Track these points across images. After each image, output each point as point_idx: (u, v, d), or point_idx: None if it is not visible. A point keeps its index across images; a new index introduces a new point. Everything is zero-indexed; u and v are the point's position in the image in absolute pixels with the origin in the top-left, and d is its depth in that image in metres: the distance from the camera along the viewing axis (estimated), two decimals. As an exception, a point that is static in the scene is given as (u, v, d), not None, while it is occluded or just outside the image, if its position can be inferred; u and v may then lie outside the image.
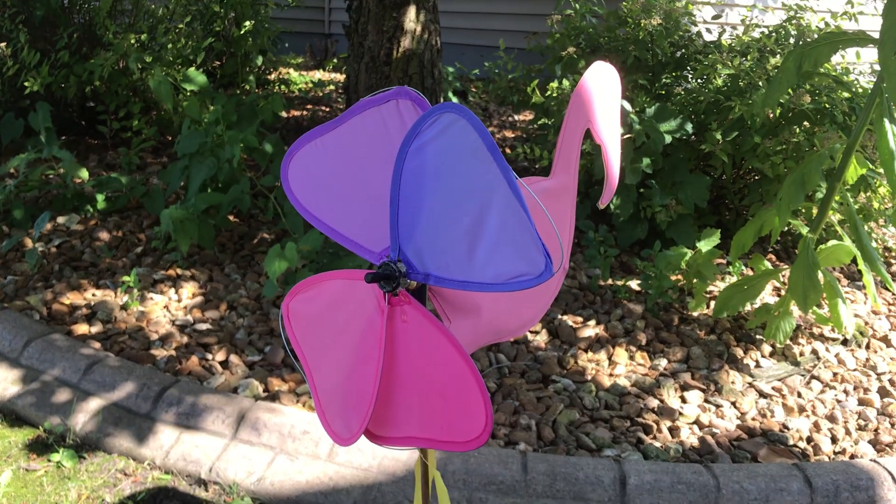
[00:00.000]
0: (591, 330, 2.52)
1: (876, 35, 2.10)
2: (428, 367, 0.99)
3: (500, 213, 0.87)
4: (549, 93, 3.33)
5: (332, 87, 5.97)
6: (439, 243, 0.92)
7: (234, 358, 2.29)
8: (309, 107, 5.27)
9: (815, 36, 3.30)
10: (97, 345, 2.33)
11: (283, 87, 5.60)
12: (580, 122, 1.15)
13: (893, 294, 2.97)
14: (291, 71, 6.42)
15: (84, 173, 3.19)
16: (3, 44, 3.58)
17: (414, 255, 0.94)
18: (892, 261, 3.29)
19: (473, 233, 0.89)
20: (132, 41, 3.75)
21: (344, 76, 6.22)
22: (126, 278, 2.62)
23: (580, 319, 2.59)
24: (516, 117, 5.31)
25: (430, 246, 0.93)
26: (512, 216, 0.86)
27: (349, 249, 1.02)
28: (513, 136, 4.86)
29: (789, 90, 2.90)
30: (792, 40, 3.32)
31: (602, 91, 1.15)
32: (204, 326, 2.45)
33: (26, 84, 3.52)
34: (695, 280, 2.65)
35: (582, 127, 1.16)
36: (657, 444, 2.03)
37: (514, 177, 0.85)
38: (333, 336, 1.06)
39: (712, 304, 2.72)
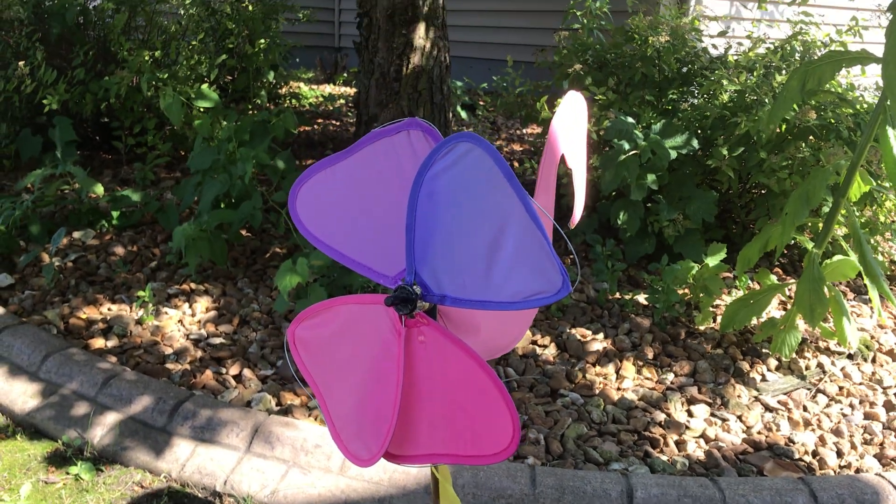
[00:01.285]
0: (599, 344, 2.56)
1: (879, 51, 2.14)
2: (449, 384, 1.03)
3: (516, 234, 0.91)
4: (556, 108, 3.37)
5: (342, 101, 6.03)
6: (456, 265, 0.96)
7: (247, 372, 2.33)
8: (319, 121, 5.33)
9: (821, 51, 3.33)
10: (113, 359, 2.38)
11: (293, 101, 5.67)
12: (555, 153, 1.21)
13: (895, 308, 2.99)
14: (302, 85, 6.49)
15: (99, 189, 3.25)
16: (21, 62, 3.64)
17: (430, 278, 0.98)
18: (899, 274, 3.31)
19: (490, 254, 0.93)
20: (146, 58, 3.82)
21: (354, 90, 6.29)
22: (141, 293, 2.67)
23: (588, 333, 2.63)
24: (524, 131, 5.36)
25: (446, 268, 0.96)
26: (528, 237, 0.90)
27: (361, 274, 1.06)
28: (521, 149, 4.90)
29: (794, 107, 2.94)
30: (798, 56, 3.35)
31: (570, 125, 1.22)
32: (217, 340, 2.50)
33: (45, 102, 3.58)
34: (701, 294, 2.68)
35: (557, 156, 1.21)
36: (664, 458, 2.06)
37: (530, 199, 0.89)
38: (345, 359, 1.09)
39: (719, 318, 2.74)
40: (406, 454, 1.07)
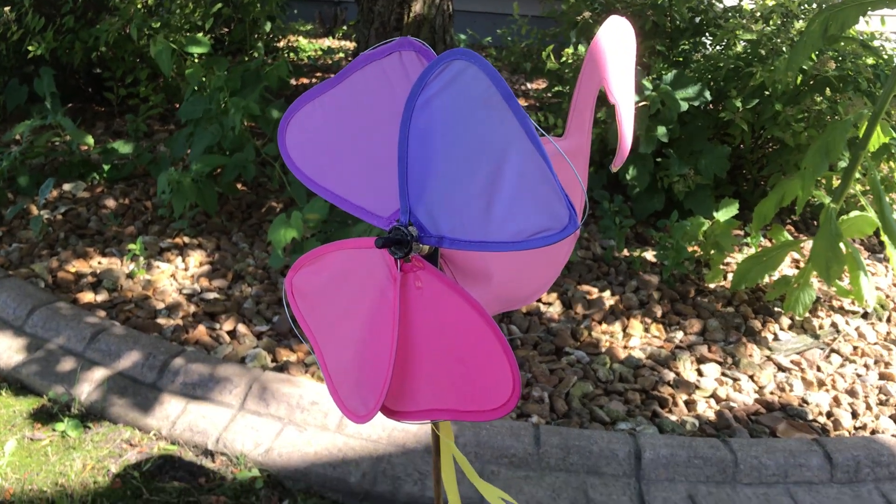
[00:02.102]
0: (606, 301, 2.47)
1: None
2: (447, 334, 0.94)
3: (518, 165, 0.81)
4: (563, 59, 3.25)
5: (341, 54, 5.89)
6: (453, 203, 0.86)
7: (241, 328, 2.25)
8: (318, 74, 5.19)
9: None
10: (102, 313, 2.29)
11: (291, 54, 5.52)
12: (594, 80, 1.09)
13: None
14: (301, 38, 6.33)
15: (89, 140, 3.14)
16: (7, 8, 3.51)
17: (426, 218, 0.88)
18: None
19: (490, 189, 0.83)
20: (139, 6, 3.68)
21: (353, 44, 6.14)
22: (132, 246, 2.58)
23: (595, 290, 2.54)
24: (529, 86, 5.22)
25: (443, 206, 0.87)
26: (532, 167, 0.80)
27: (355, 216, 0.96)
28: (526, 104, 4.77)
29: (812, 56, 2.82)
30: (815, 5, 3.22)
31: (616, 48, 1.08)
32: (211, 296, 2.41)
33: (30, 48, 3.46)
34: (712, 251, 2.59)
35: (596, 86, 1.10)
36: (673, 418, 1.98)
37: (533, 125, 0.79)
38: (342, 310, 1.00)
39: (729, 276, 2.66)
40: (404, 410, 0.99)
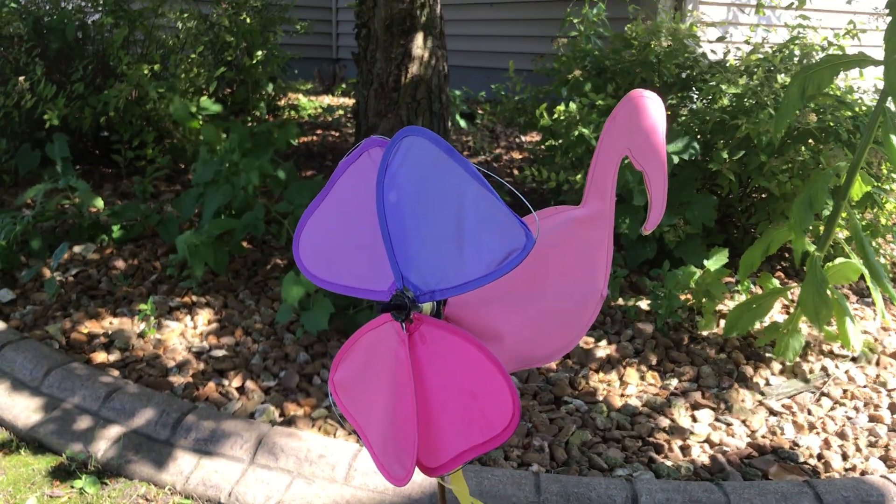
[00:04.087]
0: (603, 350, 2.55)
1: (876, 54, 2.14)
2: (457, 374, 1.03)
3: (473, 204, 0.96)
4: (556, 115, 3.38)
5: (341, 111, 6.05)
6: (434, 256, 0.99)
7: (250, 383, 2.33)
8: (319, 132, 5.34)
9: (820, 54, 3.34)
10: (116, 372, 2.38)
11: (292, 112, 5.68)
12: (615, 149, 1.17)
13: (902, 309, 2.99)
14: (301, 96, 6.50)
15: (99, 202, 3.25)
16: (22, 77, 3.65)
17: (417, 278, 1.00)
18: (901, 276, 3.31)
19: (458, 233, 0.97)
20: (145, 71, 3.83)
21: (352, 101, 6.30)
22: (143, 306, 2.67)
23: (591, 340, 2.62)
24: (523, 138, 5.36)
25: (427, 262, 0.99)
26: (484, 203, 0.94)
27: (364, 298, 1.08)
28: (520, 157, 4.90)
29: (803, 106, 2.94)
30: (796, 59, 3.36)
31: (640, 116, 1.17)
32: (220, 353, 2.50)
33: (45, 117, 3.59)
34: (704, 299, 2.68)
35: (617, 154, 1.18)
36: (669, 463, 2.05)
37: (476, 169, 0.95)
38: (373, 387, 1.10)
39: (721, 322, 2.74)
40: (438, 464, 1.07)
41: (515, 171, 4.48)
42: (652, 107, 1.20)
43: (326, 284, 1.10)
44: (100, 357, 2.46)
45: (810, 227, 3.07)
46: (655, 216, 1.21)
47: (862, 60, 2.19)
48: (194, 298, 2.81)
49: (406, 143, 0.99)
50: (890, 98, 2.17)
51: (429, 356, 1.02)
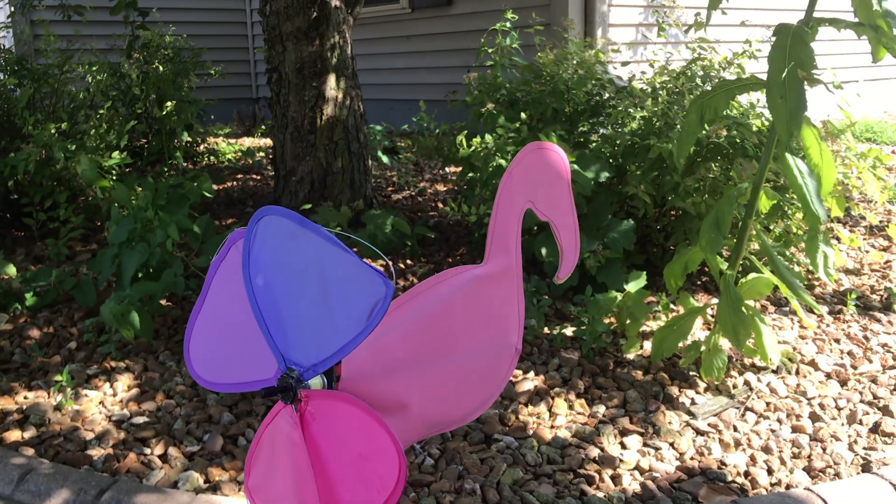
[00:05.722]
0: (531, 382, 2.56)
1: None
2: (348, 440, 1.02)
3: (333, 268, 0.98)
4: (472, 148, 3.40)
5: (262, 153, 5.99)
6: (309, 329, 0.99)
7: (172, 450, 2.26)
8: (239, 176, 5.28)
9: (722, 73, 3.44)
10: (31, 451, 2.28)
11: (212, 158, 5.61)
12: (515, 202, 1.18)
13: (818, 316, 3.07)
14: (220, 140, 6.42)
15: (11, 270, 3.15)
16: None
17: (298, 355, 0.99)
18: (816, 282, 3.41)
19: (326, 300, 0.98)
20: (52, 130, 3.73)
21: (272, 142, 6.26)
22: (59, 377, 2.58)
23: (519, 373, 2.62)
24: (448, 169, 5.39)
25: (304, 337, 0.99)
26: (342, 263, 0.97)
27: (256, 390, 1.07)
28: (444, 188, 4.92)
29: (705, 126, 3.01)
30: (699, 79, 3.45)
31: (538, 168, 1.18)
32: (141, 420, 2.42)
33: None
34: (627, 321, 2.71)
35: (518, 208, 1.18)
36: (600, 495, 2.06)
37: (325, 230, 0.98)
38: (281, 480, 1.08)
39: (646, 344, 2.78)
40: None
41: (440, 205, 4.49)
42: (552, 158, 1.21)
43: (219, 387, 1.09)
44: (13, 436, 2.36)
45: (723, 247, 3.15)
46: (568, 264, 1.22)
47: (753, 84, 2.26)
48: (113, 364, 2.73)
49: (262, 224, 1.01)
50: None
51: (321, 431, 1.01)
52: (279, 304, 1.00)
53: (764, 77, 2.24)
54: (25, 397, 2.56)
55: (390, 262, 1.13)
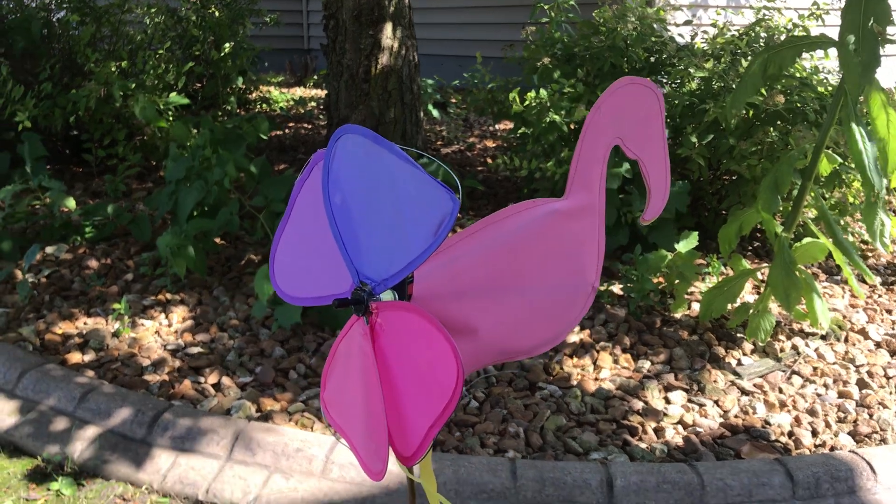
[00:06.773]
0: (576, 336, 2.58)
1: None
2: (412, 350, 1.02)
3: (405, 185, 1.00)
4: (526, 102, 3.39)
5: (313, 103, 6.03)
6: (382, 245, 1.01)
7: (225, 380, 2.33)
8: (291, 125, 5.32)
9: (784, 36, 3.37)
10: (91, 373, 2.37)
11: (264, 105, 5.65)
12: (601, 138, 1.15)
13: (870, 286, 3.04)
14: (272, 89, 6.47)
15: (71, 203, 3.23)
16: (-14, 78, 3.61)
17: (370, 270, 1.03)
18: (869, 253, 3.36)
19: (399, 217, 1.01)
20: (112, 69, 3.79)
21: (325, 92, 6.28)
22: (116, 305, 2.66)
23: (565, 326, 2.64)
24: (497, 127, 5.37)
25: (377, 253, 1.02)
26: (413, 180, 0.99)
27: (332, 303, 1.10)
28: (494, 145, 4.91)
29: (762, 91, 2.97)
30: (762, 41, 3.38)
31: (633, 105, 1.15)
32: (195, 350, 2.49)
33: (17, 119, 3.55)
34: (677, 281, 2.71)
35: (605, 143, 1.15)
36: (643, 446, 2.08)
37: (399, 148, 1.01)
38: (352, 391, 1.11)
39: (693, 304, 2.77)
40: (412, 448, 1.06)
41: (489, 160, 4.49)
42: (645, 93, 1.17)
43: (298, 300, 1.14)
44: (75, 358, 2.45)
45: (779, 209, 3.11)
46: (655, 206, 1.18)
47: (822, 42, 2.21)
48: (168, 296, 2.80)
49: (341, 143, 1.03)
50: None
51: (389, 341, 1.03)
52: (355, 221, 1.03)
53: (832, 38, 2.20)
54: (85, 323, 2.65)
55: (459, 182, 1.16)
